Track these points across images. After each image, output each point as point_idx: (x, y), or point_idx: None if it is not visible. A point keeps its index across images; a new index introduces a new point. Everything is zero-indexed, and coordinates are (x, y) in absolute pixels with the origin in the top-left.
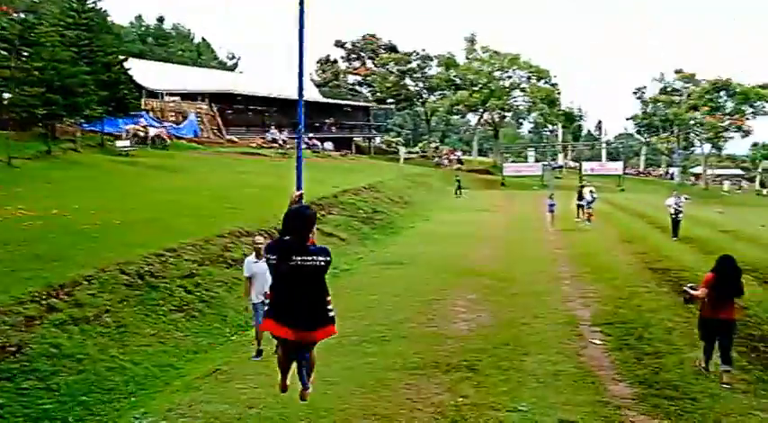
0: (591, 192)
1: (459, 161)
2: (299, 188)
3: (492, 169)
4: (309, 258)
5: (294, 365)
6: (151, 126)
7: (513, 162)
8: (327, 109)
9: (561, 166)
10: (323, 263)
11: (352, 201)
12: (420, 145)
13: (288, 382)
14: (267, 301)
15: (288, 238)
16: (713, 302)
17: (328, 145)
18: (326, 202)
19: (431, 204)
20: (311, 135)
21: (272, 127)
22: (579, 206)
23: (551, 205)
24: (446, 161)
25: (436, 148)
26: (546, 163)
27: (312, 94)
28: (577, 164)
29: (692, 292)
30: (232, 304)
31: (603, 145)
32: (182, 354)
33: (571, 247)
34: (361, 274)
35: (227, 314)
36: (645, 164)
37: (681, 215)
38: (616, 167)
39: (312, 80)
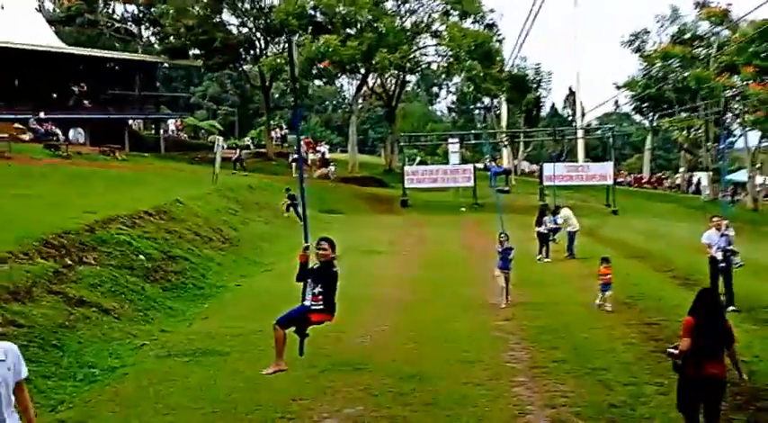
0: (554, 216)
1: (326, 162)
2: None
3: (385, 177)
4: None
5: None
6: None
7: (421, 165)
8: (75, 67)
9: (507, 172)
10: None
11: (126, 238)
12: (252, 133)
13: None
14: None
15: None
16: (697, 355)
17: (77, 134)
18: (73, 242)
19: (273, 241)
20: (42, 115)
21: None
22: (541, 237)
23: (505, 254)
24: (310, 161)
25: (283, 138)
26: (483, 165)
27: (44, 36)
28: (536, 167)
29: (675, 351)
30: None
31: (579, 132)
32: None
33: (531, 316)
34: (141, 375)
35: None
36: (651, 166)
37: (736, 261)
38: (602, 173)
39: (42, 11)
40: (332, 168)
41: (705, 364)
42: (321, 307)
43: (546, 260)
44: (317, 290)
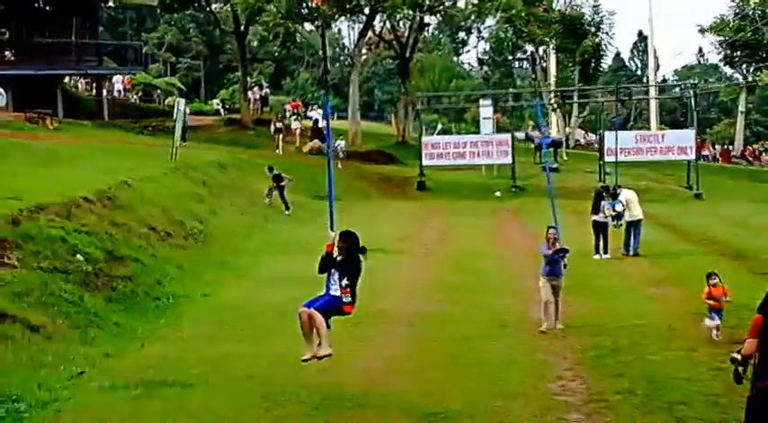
0: (616, 198)
1: (318, 132)
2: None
3: (396, 151)
4: None
5: None
6: None
7: (443, 135)
8: None
9: (557, 144)
10: None
11: (59, 233)
12: (223, 94)
13: None
14: None
15: None
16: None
17: None
18: None
19: (251, 237)
20: None
21: None
22: (598, 228)
23: (555, 258)
24: (295, 129)
25: (264, 100)
26: (525, 134)
27: None
28: (595, 137)
29: (738, 357)
30: None
31: (652, 91)
32: None
33: (586, 333)
34: (79, 413)
35: None
36: (745, 135)
37: None
38: (681, 145)
39: None
40: (341, 144)
41: None
42: (350, 300)
43: (605, 257)
44: (345, 282)
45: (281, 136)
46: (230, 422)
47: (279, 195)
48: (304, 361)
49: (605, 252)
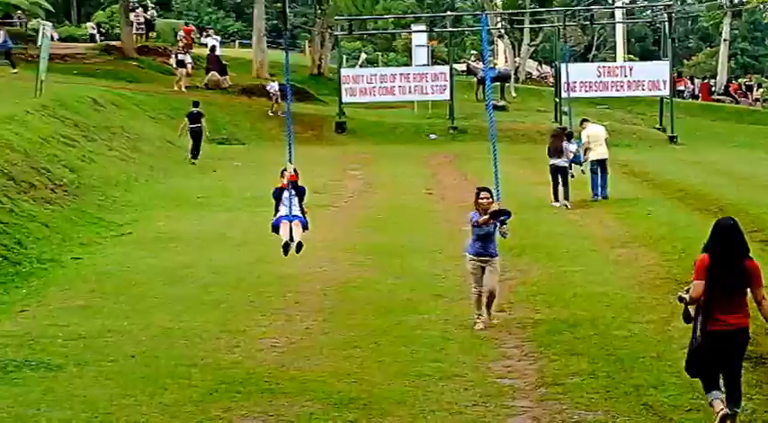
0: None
1: (216, 61)
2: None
3: (311, 86)
4: None
5: None
6: None
7: (367, 65)
8: None
9: (505, 77)
10: None
11: None
12: (99, 15)
13: None
14: None
15: None
16: (715, 303)
17: None
18: None
19: (134, 189)
20: None
21: None
22: (557, 172)
23: (486, 230)
24: (187, 63)
25: (149, 24)
26: (467, 66)
27: None
28: (550, 70)
29: (686, 296)
30: None
31: (618, 14)
32: None
33: (538, 303)
34: None
35: None
36: (730, 68)
37: None
38: (653, 79)
39: None
40: (274, 85)
41: (725, 314)
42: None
43: (565, 204)
44: (303, 204)
45: (185, 71)
46: (106, 411)
47: (191, 138)
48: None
49: (566, 198)
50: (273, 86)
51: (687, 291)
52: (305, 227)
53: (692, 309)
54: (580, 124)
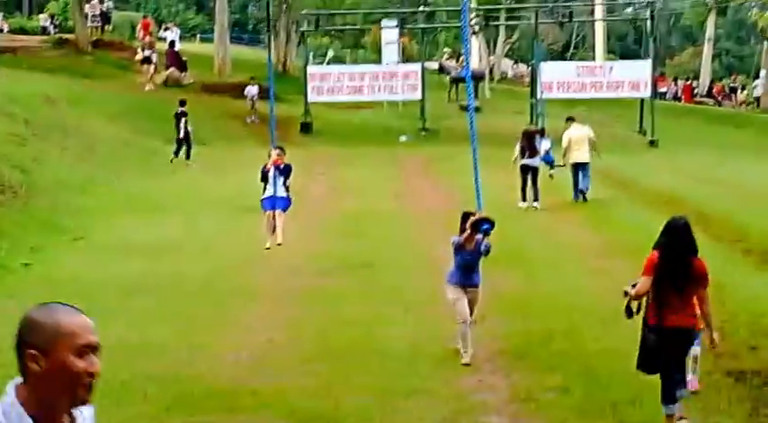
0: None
1: (175, 57)
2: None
3: (276, 84)
4: None
5: None
6: None
7: (335, 64)
8: None
9: (479, 76)
10: None
11: None
12: (52, 6)
13: None
14: None
15: None
16: (662, 300)
17: None
18: None
19: (89, 191)
20: None
21: None
22: (527, 172)
23: (470, 256)
24: (153, 61)
25: (105, 17)
26: (439, 64)
27: None
28: (526, 69)
29: (631, 291)
30: None
31: (598, 11)
32: None
33: (511, 315)
34: None
35: None
36: (713, 68)
37: None
38: (633, 79)
39: None
40: (253, 89)
41: (672, 312)
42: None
43: (534, 205)
44: (287, 182)
45: (151, 68)
46: None
47: (179, 139)
48: (267, 249)
49: (535, 199)
50: (252, 90)
51: (633, 286)
52: (286, 208)
53: (634, 305)
54: (566, 122)
